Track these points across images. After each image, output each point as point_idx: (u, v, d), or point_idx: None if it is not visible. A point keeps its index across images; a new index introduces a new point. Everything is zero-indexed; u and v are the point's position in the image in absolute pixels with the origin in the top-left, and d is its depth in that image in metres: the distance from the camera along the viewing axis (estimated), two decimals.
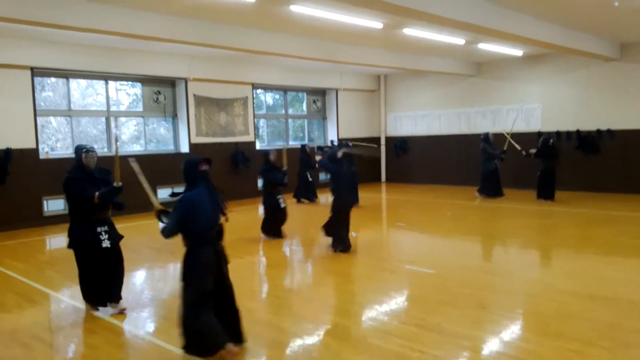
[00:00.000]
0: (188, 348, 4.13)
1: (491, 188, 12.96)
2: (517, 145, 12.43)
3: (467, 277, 6.28)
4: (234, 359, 4.03)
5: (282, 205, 8.74)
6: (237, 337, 4.24)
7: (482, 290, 5.78)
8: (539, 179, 12.27)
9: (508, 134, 12.86)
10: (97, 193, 5.17)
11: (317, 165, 11.44)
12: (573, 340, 4.26)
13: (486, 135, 13.03)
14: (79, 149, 5.34)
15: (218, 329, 4.02)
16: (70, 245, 5.30)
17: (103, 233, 5.26)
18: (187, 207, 4.07)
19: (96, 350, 4.50)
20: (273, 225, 8.82)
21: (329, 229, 7.82)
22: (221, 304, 4.20)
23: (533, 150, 12.04)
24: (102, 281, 5.28)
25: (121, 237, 5.50)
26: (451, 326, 4.68)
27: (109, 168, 5.61)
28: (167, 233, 4.21)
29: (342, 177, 7.78)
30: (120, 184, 5.32)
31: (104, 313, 5.25)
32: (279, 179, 8.76)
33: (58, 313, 5.59)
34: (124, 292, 5.49)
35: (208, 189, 4.17)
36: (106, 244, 5.25)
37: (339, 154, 7.76)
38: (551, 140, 12.29)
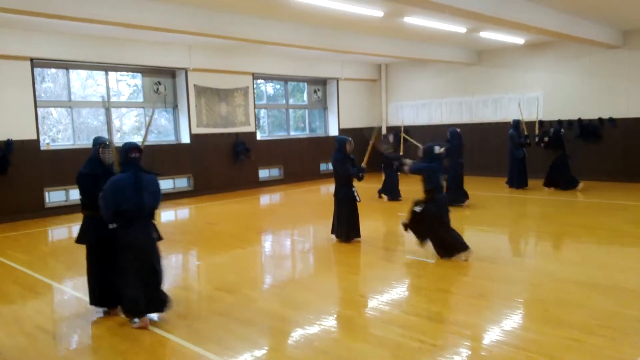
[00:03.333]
0: (122, 308, 4.80)
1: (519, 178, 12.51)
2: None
3: (468, 266, 6.29)
4: (147, 327, 4.63)
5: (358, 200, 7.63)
6: (159, 307, 4.78)
7: (482, 279, 5.80)
8: (551, 169, 12.22)
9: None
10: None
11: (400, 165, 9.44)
12: (573, 329, 4.28)
13: (517, 122, 12.59)
14: (96, 143, 5.08)
15: (140, 299, 4.64)
16: (79, 241, 5.03)
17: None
18: (112, 188, 4.58)
19: (99, 340, 4.54)
20: (353, 225, 7.66)
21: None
22: (148, 277, 4.72)
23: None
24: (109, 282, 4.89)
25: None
26: (452, 315, 4.71)
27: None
28: (104, 214, 4.62)
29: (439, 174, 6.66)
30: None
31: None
32: (353, 171, 7.63)
33: (61, 304, 5.63)
34: None
35: (136, 174, 4.67)
36: None
37: (438, 149, 6.73)
38: (562, 131, 12.33)
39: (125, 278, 4.69)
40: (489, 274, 5.99)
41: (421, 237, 6.79)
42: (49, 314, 5.26)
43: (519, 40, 13.34)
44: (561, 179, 12.09)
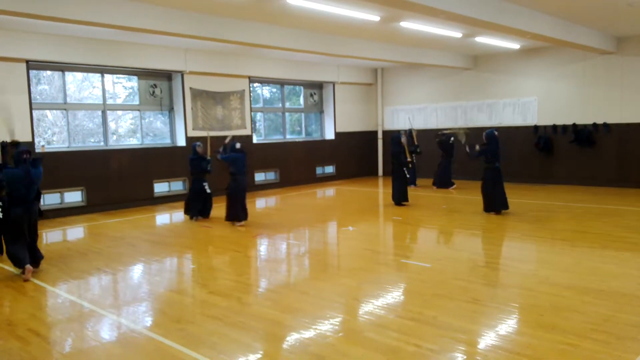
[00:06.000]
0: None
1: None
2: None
3: (463, 271, 6.31)
4: (29, 275, 6.40)
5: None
6: (36, 262, 6.75)
7: (477, 283, 5.80)
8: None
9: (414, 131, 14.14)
10: None
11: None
12: (567, 333, 4.29)
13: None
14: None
15: (23, 255, 6.50)
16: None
17: None
18: (9, 178, 6.43)
19: (92, 344, 4.51)
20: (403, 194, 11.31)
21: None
22: (29, 241, 6.65)
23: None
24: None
25: None
26: (447, 319, 4.71)
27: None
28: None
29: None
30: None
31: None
32: (403, 161, 11.20)
33: (54, 307, 5.60)
34: (121, 286, 5.48)
35: (26, 168, 6.42)
36: None
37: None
38: (452, 139, 13.93)
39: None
40: (484, 279, 6.00)
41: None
42: (42, 318, 5.23)
43: (514, 45, 13.41)
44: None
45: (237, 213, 9.51)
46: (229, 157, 9.50)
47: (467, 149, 10.79)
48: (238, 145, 9.61)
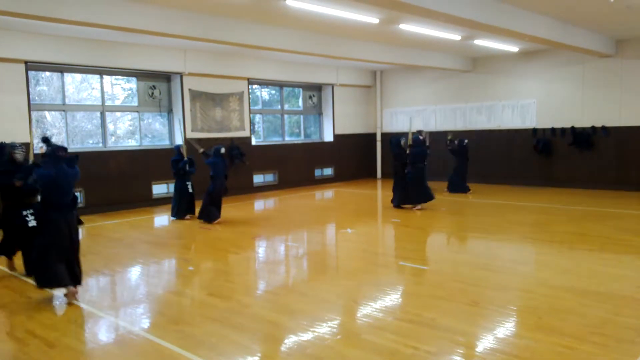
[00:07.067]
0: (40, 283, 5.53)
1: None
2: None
3: (461, 273, 6.31)
4: (74, 297, 5.51)
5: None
6: (75, 279, 5.61)
7: (475, 286, 5.80)
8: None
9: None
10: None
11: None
12: (566, 336, 4.29)
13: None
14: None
15: (61, 272, 5.44)
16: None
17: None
18: (44, 180, 5.48)
19: (90, 345, 4.50)
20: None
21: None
22: (69, 255, 5.54)
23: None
24: None
25: None
26: (445, 322, 4.70)
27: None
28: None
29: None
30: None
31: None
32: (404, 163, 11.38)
33: (53, 309, 5.58)
34: (120, 288, 5.47)
35: (63, 168, 5.52)
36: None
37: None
38: (465, 141, 13.53)
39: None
40: (483, 281, 6.00)
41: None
42: (40, 319, 5.21)
43: (513, 48, 13.43)
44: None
45: (209, 213, 9.95)
46: (210, 161, 9.99)
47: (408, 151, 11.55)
48: (222, 150, 10.07)
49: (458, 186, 13.51)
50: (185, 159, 10.54)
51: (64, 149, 5.64)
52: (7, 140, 10.14)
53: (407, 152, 11.21)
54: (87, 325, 4.96)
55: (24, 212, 6.39)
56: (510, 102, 14.93)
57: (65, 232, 5.49)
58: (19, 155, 6.55)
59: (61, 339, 4.69)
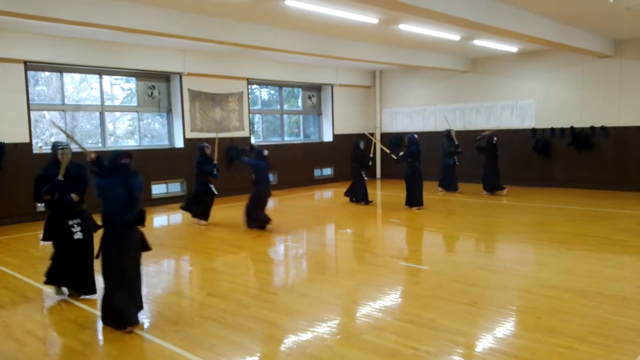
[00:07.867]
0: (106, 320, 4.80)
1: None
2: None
3: (461, 273, 6.30)
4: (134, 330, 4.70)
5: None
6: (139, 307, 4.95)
7: (475, 286, 5.80)
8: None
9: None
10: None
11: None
12: (566, 336, 4.29)
13: (448, 131, 13.94)
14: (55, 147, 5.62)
15: (126, 307, 4.69)
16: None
17: (75, 226, 5.55)
18: (103, 191, 4.75)
19: (89, 346, 4.49)
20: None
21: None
22: (129, 282, 4.83)
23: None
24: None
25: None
26: (445, 322, 4.70)
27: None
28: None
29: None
30: (61, 178, 5.45)
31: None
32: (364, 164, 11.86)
33: (51, 309, 5.57)
34: None
35: (125, 179, 4.79)
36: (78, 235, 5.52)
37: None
38: (494, 139, 13.26)
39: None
40: (482, 282, 6.00)
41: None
42: (39, 320, 5.21)
43: (512, 48, 13.43)
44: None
45: (259, 219, 9.26)
46: (253, 164, 9.27)
47: (394, 156, 11.96)
48: (265, 153, 9.37)
49: (491, 185, 13.00)
50: (215, 162, 9.95)
51: (128, 155, 4.87)
52: (5, 140, 10.28)
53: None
54: (85, 325, 4.94)
55: (70, 222, 5.53)
56: (509, 103, 14.94)
57: (124, 255, 4.78)
58: (60, 156, 5.54)
59: (60, 339, 4.68)
